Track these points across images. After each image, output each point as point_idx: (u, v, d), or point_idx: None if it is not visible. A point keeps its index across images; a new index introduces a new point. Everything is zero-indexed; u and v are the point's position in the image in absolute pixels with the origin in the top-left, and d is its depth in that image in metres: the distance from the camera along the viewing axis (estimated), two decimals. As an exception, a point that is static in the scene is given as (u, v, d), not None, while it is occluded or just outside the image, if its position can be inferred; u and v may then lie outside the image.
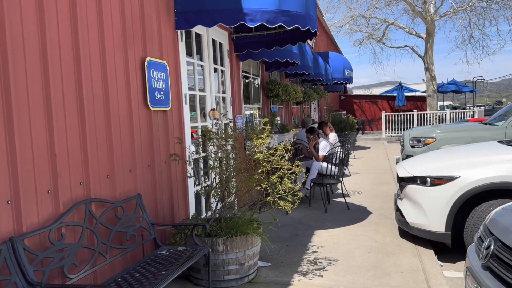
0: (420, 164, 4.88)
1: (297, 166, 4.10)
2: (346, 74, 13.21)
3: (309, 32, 5.00)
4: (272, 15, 4.33)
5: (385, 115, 18.55)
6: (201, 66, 5.37)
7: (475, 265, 2.61)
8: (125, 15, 3.50)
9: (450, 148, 6.25)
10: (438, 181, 4.38)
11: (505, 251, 2.35)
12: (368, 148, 15.72)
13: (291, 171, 4.03)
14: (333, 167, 6.99)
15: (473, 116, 17.15)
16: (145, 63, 3.72)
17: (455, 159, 4.82)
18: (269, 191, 3.97)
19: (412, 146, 7.98)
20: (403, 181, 4.84)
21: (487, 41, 44.69)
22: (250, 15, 4.30)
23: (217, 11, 4.32)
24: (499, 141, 5.36)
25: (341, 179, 7.09)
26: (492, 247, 2.46)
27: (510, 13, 19.02)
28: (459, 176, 4.27)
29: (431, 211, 4.38)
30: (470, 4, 19.06)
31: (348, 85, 20.25)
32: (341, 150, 7.07)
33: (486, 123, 8.33)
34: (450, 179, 4.31)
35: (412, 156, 6.72)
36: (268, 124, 4.31)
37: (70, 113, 2.86)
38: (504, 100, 57.96)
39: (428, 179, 4.45)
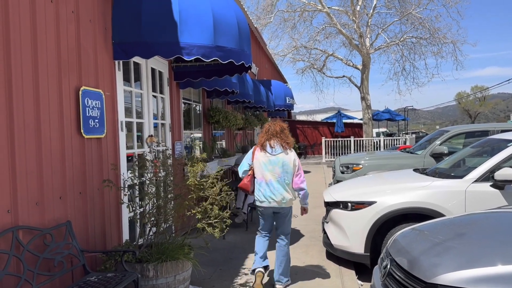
0: (343, 190, 5.30)
1: (227, 193, 4.33)
2: (287, 102, 13.80)
3: (244, 66, 5.34)
4: (208, 50, 4.61)
5: (325, 141, 19.41)
6: (140, 93, 5.52)
7: (377, 283, 2.94)
8: (60, 46, 3.62)
9: (375, 174, 6.77)
10: (357, 206, 4.79)
11: (398, 270, 2.70)
12: (309, 172, 16.33)
13: (220, 196, 4.25)
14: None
15: (405, 143, 18.40)
16: (80, 92, 3.83)
17: (374, 186, 5.28)
18: (198, 217, 4.15)
19: (342, 172, 8.52)
20: (329, 206, 5.22)
21: (417, 73, 48.05)
22: (187, 49, 4.55)
23: (155, 44, 4.51)
24: (415, 169, 5.93)
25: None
26: (388, 266, 2.81)
27: (436, 48, 20.89)
28: (376, 202, 4.70)
29: (352, 233, 4.77)
30: (401, 39, 20.71)
31: (292, 111, 21.09)
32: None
33: (408, 151, 9.08)
34: (368, 204, 4.73)
35: (342, 181, 7.20)
36: (206, 151, 4.54)
37: (0, 142, 2.92)
38: (437, 127, 62.55)
39: (349, 204, 4.85)
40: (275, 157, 4.35)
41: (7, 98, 3.00)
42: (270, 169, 4.34)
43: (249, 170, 4.51)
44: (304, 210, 4.61)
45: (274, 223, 4.57)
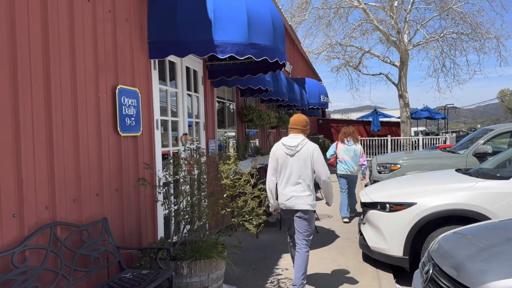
0: (381, 191, 5.12)
1: (260, 190, 4.28)
2: (321, 100, 13.59)
3: (278, 63, 5.27)
4: (242, 47, 4.57)
5: (361, 140, 18.99)
6: (175, 92, 5.55)
7: (418, 288, 2.80)
8: (97, 45, 3.67)
9: (415, 175, 6.53)
10: (396, 207, 4.61)
11: (441, 276, 2.54)
12: (344, 172, 16.01)
13: (254, 195, 4.20)
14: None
15: (445, 142, 17.73)
16: (116, 91, 3.88)
17: (414, 187, 5.07)
18: (235, 213, 4.12)
19: (379, 172, 8.27)
20: (365, 207, 5.06)
21: (458, 70, 46.29)
22: (221, 47, 4.52)
23: (190, 42, 4.52)
24: (457, 170, 5.66)
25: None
26: (430, 271, 2.66)
27: (478, 44, 19.99)
28: (416, 203, 4.51)
29: (390, 236, 4.59)
30: (441, 35, 19.98)
31: (326, 109, 20.81)
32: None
33: (450, 151, 8.71)
34: (407, 205, 4.54)
35: (379, 181, 6.98)
36: (240, 149, 4.50)
37: (39, 140, 2.98)
38: (479, 126, 60.10)
39: (387, 205, 4.68)
40: (349, 147, 7.47)
41: (45, 97, 3.06)
42: (346, 153, 7.44)
43: (334, 154, 7.63)
44: (363, 178, 7.89)
45: (347, 184, 7.54)
